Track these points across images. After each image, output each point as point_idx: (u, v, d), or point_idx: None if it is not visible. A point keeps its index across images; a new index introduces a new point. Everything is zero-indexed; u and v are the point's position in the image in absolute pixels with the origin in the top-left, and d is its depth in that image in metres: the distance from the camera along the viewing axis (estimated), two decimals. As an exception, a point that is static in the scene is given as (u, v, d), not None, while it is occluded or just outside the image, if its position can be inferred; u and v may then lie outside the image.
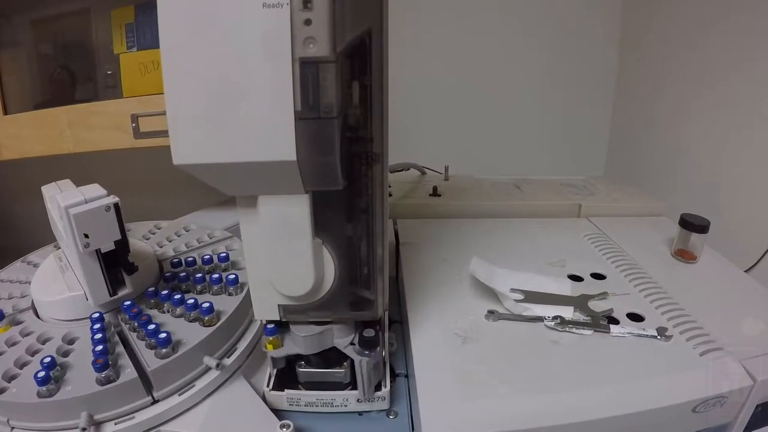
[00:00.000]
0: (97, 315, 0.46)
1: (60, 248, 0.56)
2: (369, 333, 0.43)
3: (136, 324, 0.45)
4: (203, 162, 0.31)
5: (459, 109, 1.28)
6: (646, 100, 1.19)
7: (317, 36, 0.28)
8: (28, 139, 0.75)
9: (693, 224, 0.62)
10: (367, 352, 0.42)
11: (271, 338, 0.43)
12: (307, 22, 0.28)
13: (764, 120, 0.84)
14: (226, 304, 0.48)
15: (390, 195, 0.80)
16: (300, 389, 0.45)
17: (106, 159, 0.75)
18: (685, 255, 0.63)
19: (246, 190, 0.35)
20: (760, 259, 0.82)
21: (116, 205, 0.43)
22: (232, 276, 0.51)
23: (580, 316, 0.50)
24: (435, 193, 0.83)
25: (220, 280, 0.51)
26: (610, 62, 1.28)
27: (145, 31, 0.70)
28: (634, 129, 1.24)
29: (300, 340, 0.43)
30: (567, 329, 0.48)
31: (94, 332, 0.44)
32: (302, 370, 0.45)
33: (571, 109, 1.31)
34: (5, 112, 0.76)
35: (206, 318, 0.46)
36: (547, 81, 1.28)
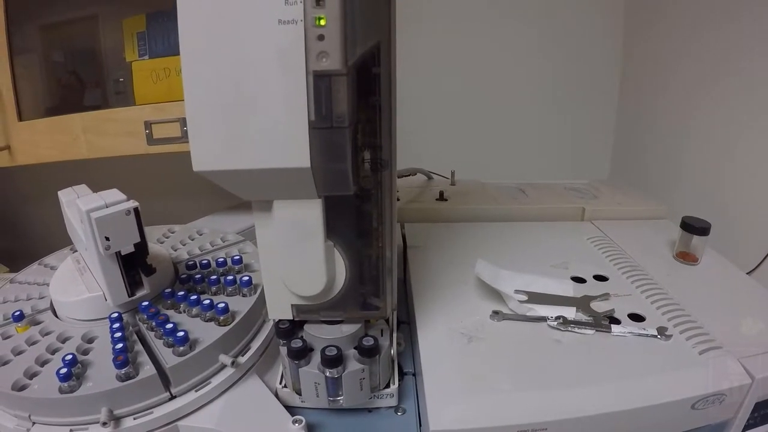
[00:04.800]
0: (116, 315, 0.48)
1: (76, 251, 0.58)
2: (368, 342, 0.42)
3: (153, 323, 0.47)
4: (222, 168, 0.33)
5: (465, 115, 1.29)
6: (650, 104, 1.19)
7: (330, 50, 0.30)
8: (43, 145, 0.77)
9: (694, 227, 0.63)
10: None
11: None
12: (320, 37, 0.30)
13: (765, 124, 0.85)
14: (240, 305, 0.50)
15: (398, 199, 0.81)
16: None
17: (117, 164, 0.76)
18: (686, 257, 0.64)
19: (262, 195, 0.37)
20: (762, 261, 0.83)
21: (136, 210, 0.45)
22: (246, 278, 0.52)
23: (582, 317, 0.51)
24: (441, 197, 0.84)
25: (234, 281, 0.52)
26: (614, 67, 1.29)
27: (156, 40, 0.71)
28: (637, 133, 1.25)
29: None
30: (569, 329, 0.49)
31: (113, 331, 0.45)
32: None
33: (575, 114, 1.32)
34: (20, 118, 0.77)
35: (221, 318, 0.48)
36: (552, 86, 1.29)
